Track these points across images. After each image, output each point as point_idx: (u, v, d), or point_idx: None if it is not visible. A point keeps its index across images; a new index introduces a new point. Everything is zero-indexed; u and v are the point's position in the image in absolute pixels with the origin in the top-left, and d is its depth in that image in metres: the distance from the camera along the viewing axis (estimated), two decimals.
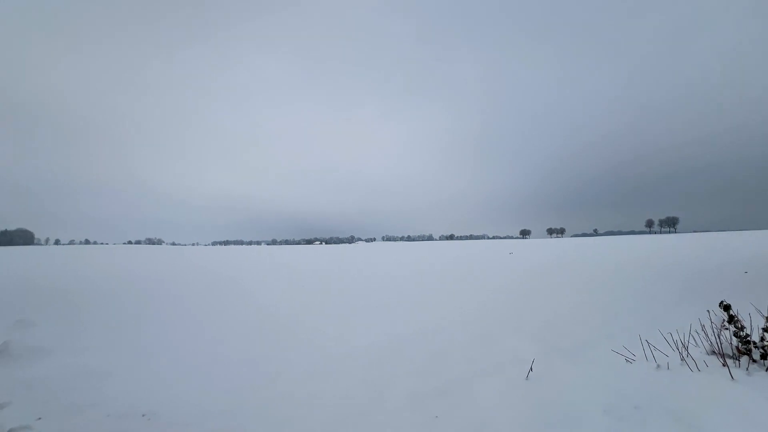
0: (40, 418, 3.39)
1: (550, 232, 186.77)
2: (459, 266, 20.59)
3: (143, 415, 3.45)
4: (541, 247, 47.72)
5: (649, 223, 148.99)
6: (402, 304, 8.98)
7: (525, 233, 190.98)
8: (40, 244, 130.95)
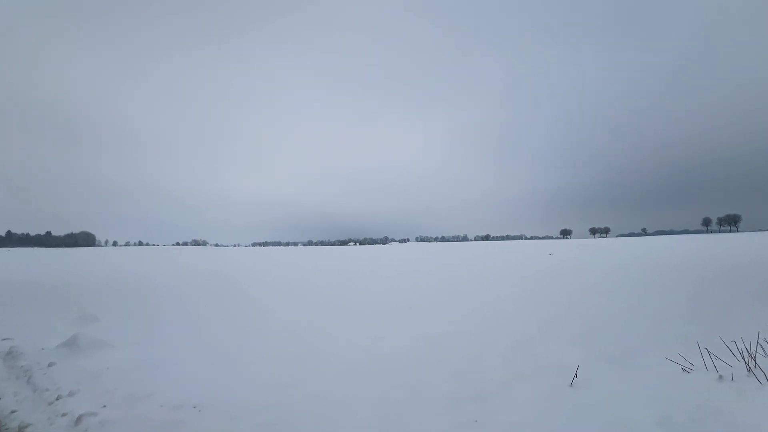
0: (104, 406, 3.69)
1: (594, 231, 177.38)
2: (495, 267, 20.09)
3: (194, 407, 3.66)
4: (583, 247, 45.46)
5: (707, 222, 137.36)
6: (437, 306, 8.90)
7: (566, 233, 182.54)
8: (101, 246, 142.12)
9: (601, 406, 3.50)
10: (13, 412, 3.84)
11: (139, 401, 3.83)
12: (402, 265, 23.74)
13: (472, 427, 3.27)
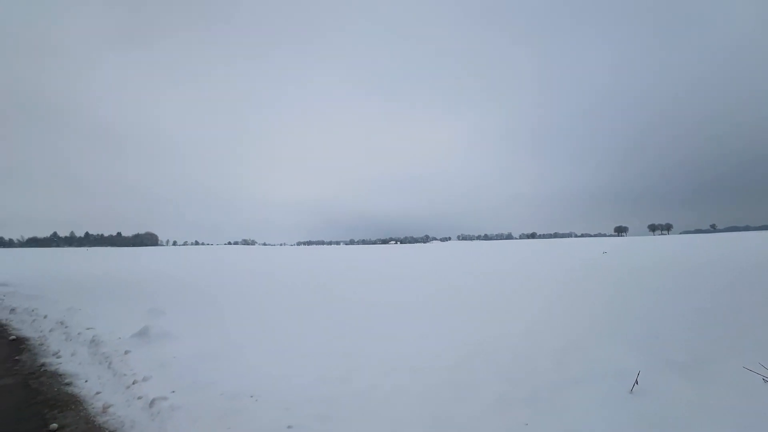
0: (173, 392, 4.04)
1: (653, 228, 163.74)
2: (544, 266, 19.26)
3: (251, 396, 3.90)
4: (641, 245, 42.22)
5: None
6: (485, 306, 8.71)
7: (620, 230, 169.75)
8: (163, 245, 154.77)
9: (666, 417, 3.25)
10: (97, 393, 4.32)
11: (201, 389, 4.13)
12: (445, 266, 23.48)
13: (523, 430, 3.18)
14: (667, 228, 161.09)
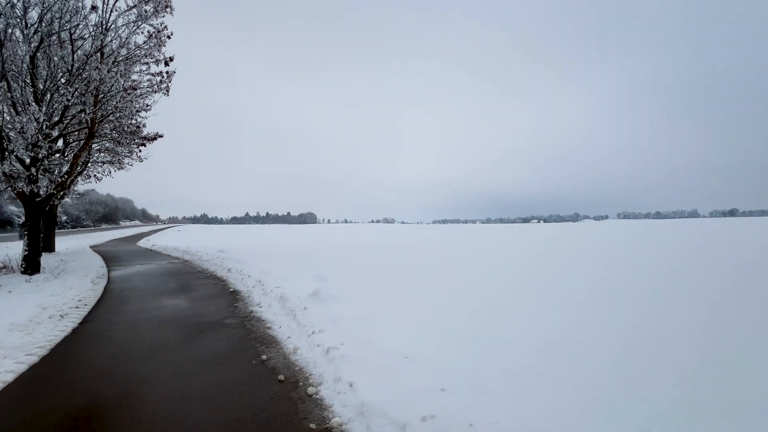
0: (342, 344, 4.76)
1: None
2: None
3: (405, 357, 4.28)
4: None
5: None
6: (661, 292, 7.31)
7: None
8: (319, 223, 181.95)
9: None
10: (288, 337, 5.44)
11: (364, 345, 4.74)
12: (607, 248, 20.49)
13: None
14: None
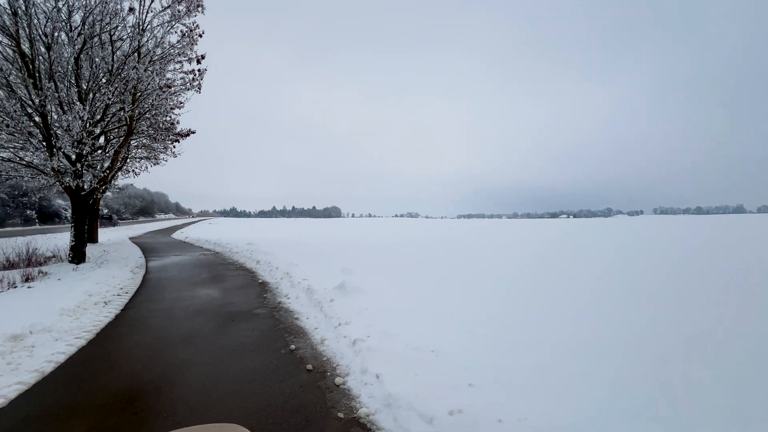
0: (369, 336, 4.82)
1: None
2: None
3: (432, 351, 4.28)
4: None
5: None
6: (693, 291, 6.93)
7: None
8: (344, 217, 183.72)
9: None
10: (316, 328, 5.55)
11: (390, 338, 4.78)
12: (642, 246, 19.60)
13: None
14: None
